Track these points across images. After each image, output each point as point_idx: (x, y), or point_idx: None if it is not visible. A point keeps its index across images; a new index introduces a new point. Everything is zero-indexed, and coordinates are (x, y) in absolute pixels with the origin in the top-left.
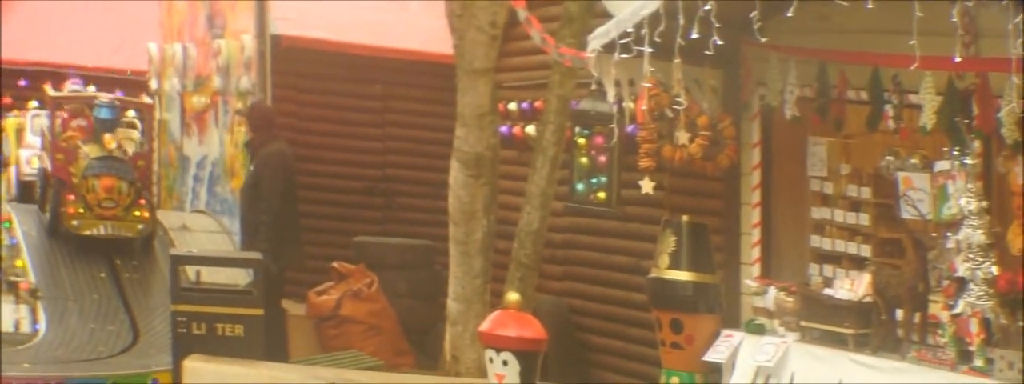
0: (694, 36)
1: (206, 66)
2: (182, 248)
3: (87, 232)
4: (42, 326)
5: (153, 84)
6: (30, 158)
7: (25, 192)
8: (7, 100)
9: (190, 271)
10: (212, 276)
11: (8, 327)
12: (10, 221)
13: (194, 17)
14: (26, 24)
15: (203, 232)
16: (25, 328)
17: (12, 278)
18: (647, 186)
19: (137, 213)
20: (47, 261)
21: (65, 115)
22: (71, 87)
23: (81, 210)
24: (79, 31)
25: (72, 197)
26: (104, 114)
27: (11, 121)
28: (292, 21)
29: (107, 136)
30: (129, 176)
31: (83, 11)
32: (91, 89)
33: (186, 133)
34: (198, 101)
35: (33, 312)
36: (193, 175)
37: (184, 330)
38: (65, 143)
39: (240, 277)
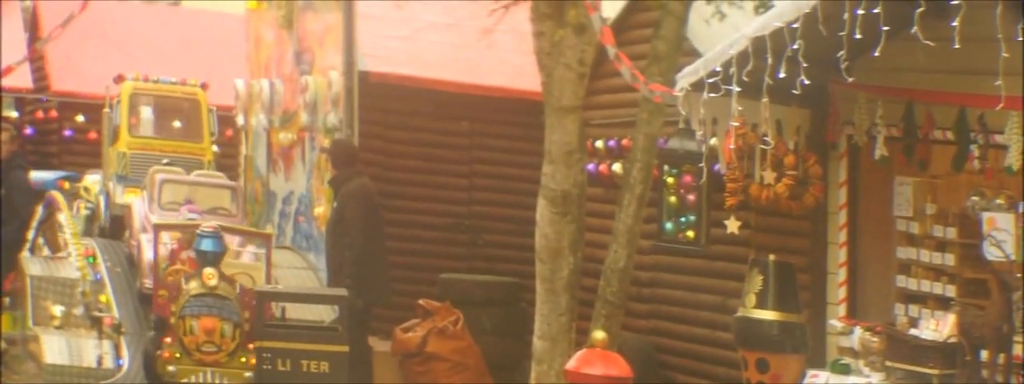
0: (781, 75)
1: (293, 102)
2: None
3: (184, 380)
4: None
5: (239, 120)
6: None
7: (115, 225)
8: (93, 135)
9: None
10: (298, 313)
11: (91, 362)
12: (94, 256)
13: (281, 53)
14: (113, 57)
15: (289, 268)
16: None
17: (96, 313)
18: (732, 225)
19: (243, 358)
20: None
21: (174, 245)
22: (187, 214)
23: (177, 354)
24: (165, 66)
25: (169, 340)
26: (206, 246)
27: (89, 180)
28: (380, 58)
29: (209, 270)
30: (235, 317)
31: (170, 46)
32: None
33: (272, 169)
34: (285, 137)
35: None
36: (279, 211)
37: (269, 367)
38: (171, 277)
39: (326, 314)
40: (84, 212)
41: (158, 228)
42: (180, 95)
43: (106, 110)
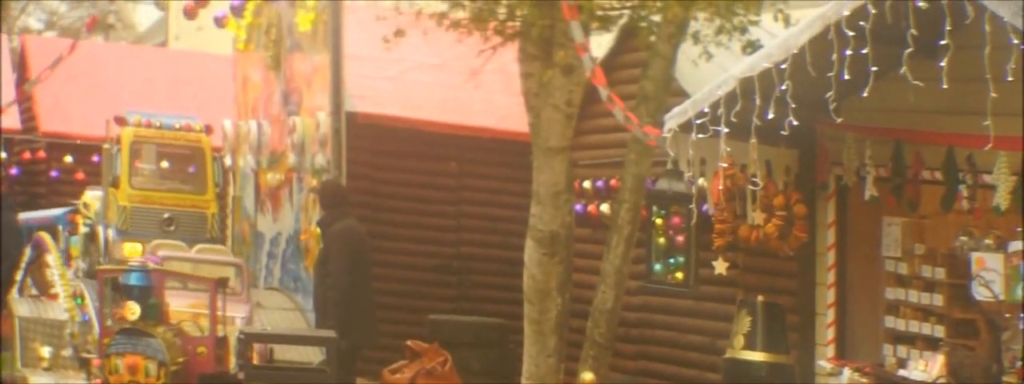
0: (770, 116)
1: (281, 143)
2: (255, 325)
3: None
4: None
5: (227, 161)
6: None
7: None
8: (80, 176)
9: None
10: (286, 354)
11: None
12: (82, 297)
13: (269, 94)
14: (102, 98)
15: (277, 309)
16: None
17: (84, 354)
18: (720, 266)
19: None
20: None
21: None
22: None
23: None
24: (153, 107)
25: (97, 381)
26: (132, 280)
27: (89, 196)
28: (367, 98)
29: (131, 304)
30: (160, 355)
31: (158, 87)
32: None
33: (260, 210)
34: (273, 178)
35: None
36: (267, 252)
37: None
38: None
39: (314, 355)
40: (83, 229)
41: (101, 273)
42: (183, 143)
43: (106, 146)
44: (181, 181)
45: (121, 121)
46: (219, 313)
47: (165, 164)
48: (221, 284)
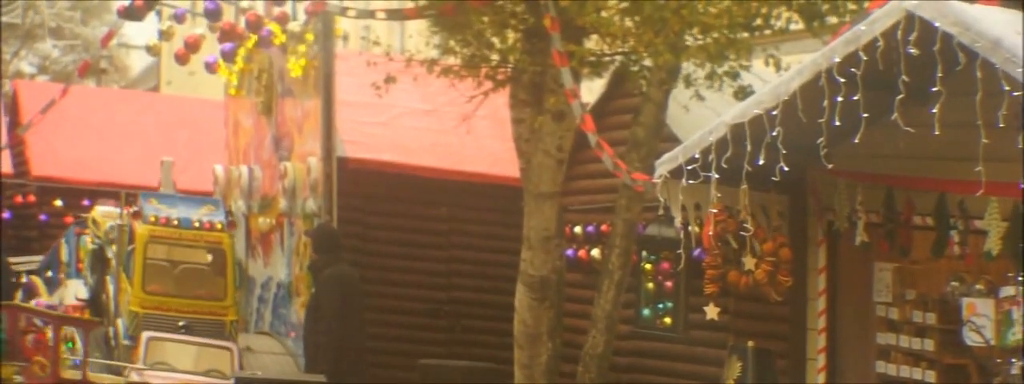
0: (761, 162)
1: (272, 188)
2: (247, 370)
3: None
4: None
5: None
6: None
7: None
8: (70, 220)
9: None
10: None
11: None
12: (73, 342)
13: (260, 139)
14: (94, 144)
15: (267, 354)
16: None
17: None
18: (712, 312)
19: None
20: None
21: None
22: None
23: None
24: (143, 152)
25: None
26: None
27: (98, 213)
28: (358, 143)
29: None
30: None
31: (149, 131)
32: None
33: (251, 254)
34: (263, 222)
35: None
36: (258, 296)
37: None
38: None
39: None
40: (91, 246)
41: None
42: (203, 244)
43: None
44: (199, 285)
45: (137, 214)
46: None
47: (182, 266)
48: (90, 326)
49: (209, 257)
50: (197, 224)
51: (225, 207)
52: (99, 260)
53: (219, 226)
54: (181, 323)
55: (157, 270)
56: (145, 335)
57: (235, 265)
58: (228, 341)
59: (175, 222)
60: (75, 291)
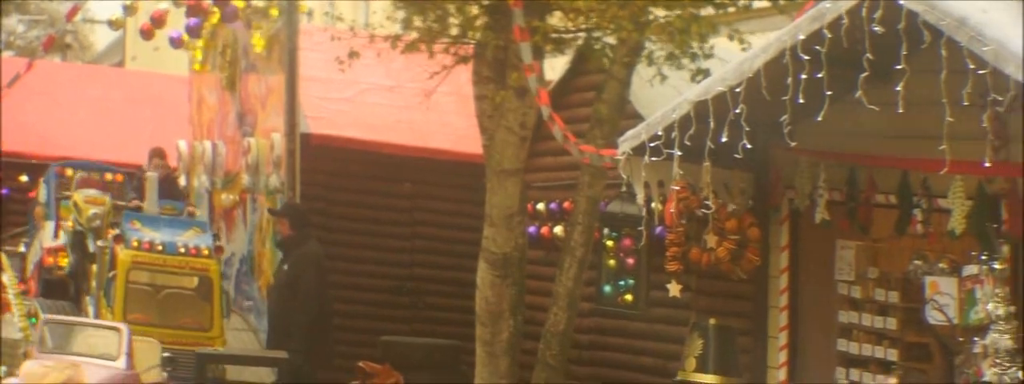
0: (724, 139)
1: (235, 164)
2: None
3: None
4: None
5: (182, 181)
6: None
7: (50, 288)
8: (33, 194)
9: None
10: (238, 375)
11: None
12: (36, 316)
13: (224, 115)
14: (59, 119)
15: (229, 330)
16: None
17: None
18: (674, 289)
19: None
20: None
21: None
22: None
23: None
24: (108, 127)
25: None
26: None
27: (79, 197)
28: (322, 120)
29: None
30: None
31: (114, 107)
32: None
33: (214, 230)
34: (227, 199)
35: None
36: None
37: None
38: None
39: (267, 376)
40: (74, 227)
41: None
42: (189, 271)
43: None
44: (184, 314)
45: (119, 239)
46: None
47: (166, 293)
48: None
49: (195, 284)
50: (182, 249)
51: (213, 230)
52: (79, 245)
53: (206, 252)
54: (165, 354)
55: (139, 298)
56: (43, 317)
57: (222, 293)
58: (120, 323)
59: (159, 247)
60: (50, 233)
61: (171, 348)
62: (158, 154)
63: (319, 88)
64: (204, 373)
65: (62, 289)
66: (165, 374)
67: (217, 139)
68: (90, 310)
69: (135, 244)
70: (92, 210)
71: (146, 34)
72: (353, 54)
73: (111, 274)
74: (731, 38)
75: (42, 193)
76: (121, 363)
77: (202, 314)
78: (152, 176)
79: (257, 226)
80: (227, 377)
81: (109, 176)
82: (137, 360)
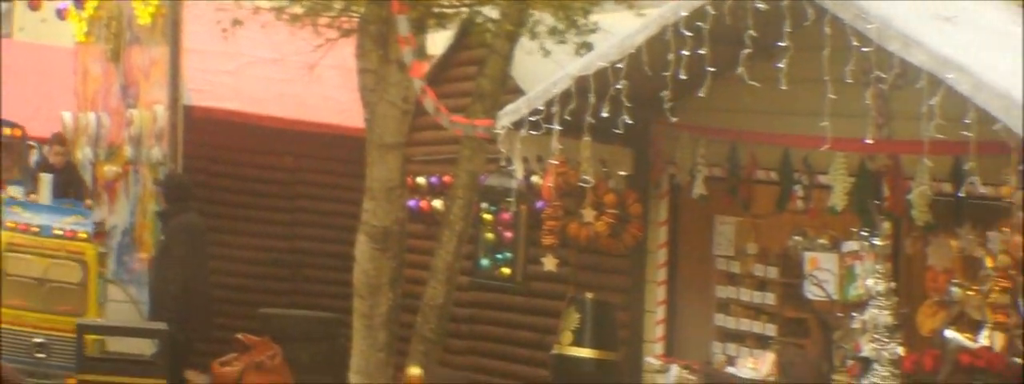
0: (604, 114)
1: (119, 135)
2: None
3: None
4: None
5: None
6: None
7: None
8: None
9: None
10: (118, 346)
11: None
12: None
13: (109, 86)
14: None
15: (112, 301)
16: None
17: None
18: (549, 263)
19: None
20: None
21: None
22: None
23: None
24: None
25: None
26: None
27: (11, 190)
28: (205, 92)
29: None
30: None
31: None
32: None
33: (97, 202)
34: (110, 170)
35: None
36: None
37: None
38: None
39: (147, 347)
40: None
41: None
42: (65, 254)
43: None
44: (60, 300)
45: None
46: None
47: (42, 278)
48: None
49: (73, 269)
50: (59, 232)
51: (96, 218)
52: None
53: (83, 236)
54: (37, 339)
55: (12, 281)
56: None
57: (99, 279)
58: None
59: (35, 229)
60: None
61: (47, 334)
62: (59, 140)
63: (202, 60)
64: (83, 344)
65: None
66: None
67: (101, 111)
68: None
69: (11, 225)
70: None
71: (33, 5)
72: (236, 22)
73: None
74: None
75: None
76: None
77: (79, 300)
78: (45, 178)
79: (139, 198)
80: (108, 349)
81: (7, 130)
82: None
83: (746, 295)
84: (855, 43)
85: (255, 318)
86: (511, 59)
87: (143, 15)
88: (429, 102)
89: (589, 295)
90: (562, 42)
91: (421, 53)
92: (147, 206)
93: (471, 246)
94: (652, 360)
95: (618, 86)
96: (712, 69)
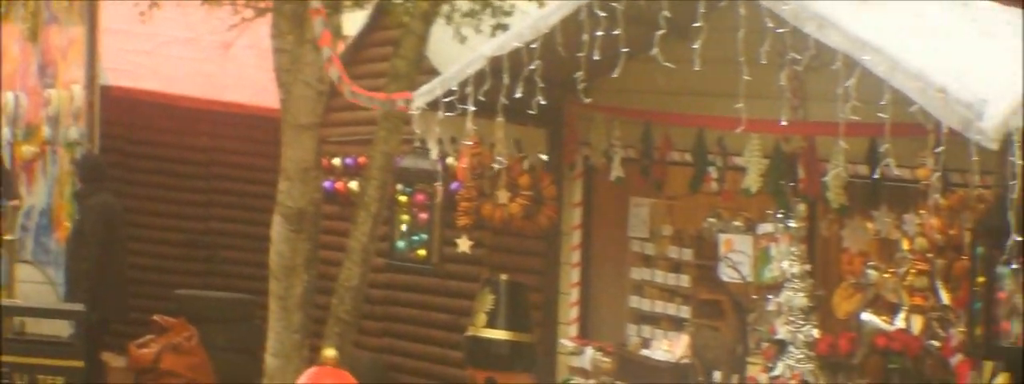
0: (518, 95)
1: (36, 115)
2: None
3: None
4: None
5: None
6: None
7: None
8: None
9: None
10: (37, 327)
11: None
12: None
13: (26, 66)
14: None
15: (29, 282)
16: None
17: None
18: (464, 244)
19: None
20: None
21: None
22: None
23: None
24: None
25: None
26: None
27: None
28: (122, 72)
29: None
30: None
31: None
32: None
33: (14, 183)
34: (27, 150)
35: None
36: (20, 225)
37: (7, 381)
38: None
39: (64, 329)
40: None
41: None
42: None
43: None
44: None
45: None
46: None
47: None
48: None
49: None
50: None
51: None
52: None
53: None
54: None
55: None
56: None
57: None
58: None
59: None
60: None
61: None
62: None
63: (120, 40)
64: (2, 324)
65: None
66: None
67: (19, 90)
68: None
69: None
70: None
71: None
72: (153, 4)
73: None
74: None
75: None
76: None
77: None
78: (10, 203)
79: (56, 178)
80: (27, 330)
81: None
82: None
83: (660, 277)
84: (770, 24)
85: (171, 299)
86: (426, 39)
87: None
88: (334, 71)
89: (503, 277)
90: (479, 28)
91: (337, 33)
92: (64, 187)
93: (387, 228)
94: (566, 342)
95: (532, 67)
96: (626, 50)
